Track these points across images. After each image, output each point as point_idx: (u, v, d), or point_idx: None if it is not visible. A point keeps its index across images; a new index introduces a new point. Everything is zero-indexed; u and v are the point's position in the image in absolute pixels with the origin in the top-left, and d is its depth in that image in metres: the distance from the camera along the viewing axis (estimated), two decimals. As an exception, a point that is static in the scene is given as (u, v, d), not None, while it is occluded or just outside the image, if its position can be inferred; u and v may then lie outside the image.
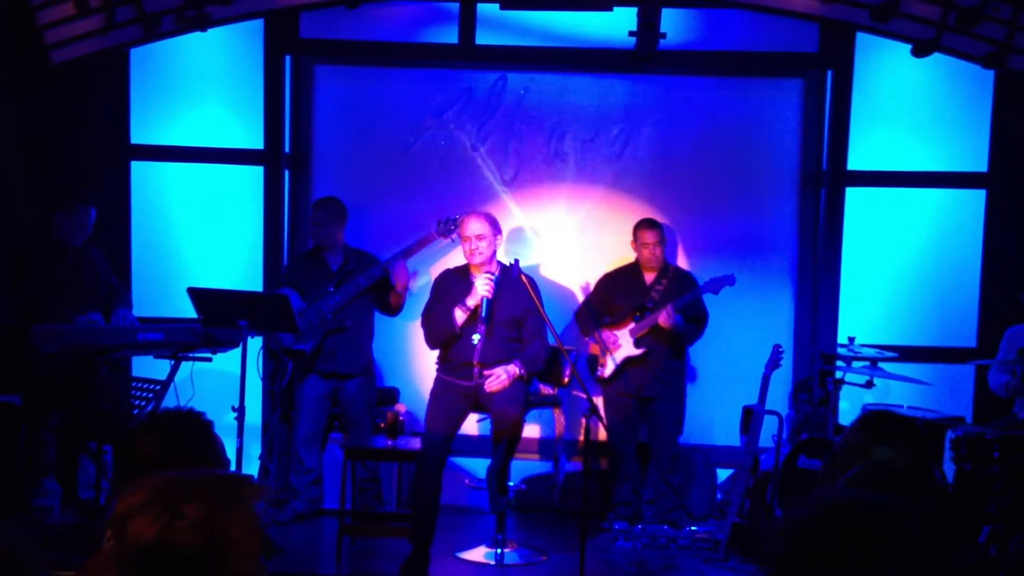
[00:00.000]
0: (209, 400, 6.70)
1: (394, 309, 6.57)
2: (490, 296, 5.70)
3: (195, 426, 2.70)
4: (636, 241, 6.60)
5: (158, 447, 2.55)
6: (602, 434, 6.49)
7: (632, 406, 6.53)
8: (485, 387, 5.71)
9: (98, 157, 6.92)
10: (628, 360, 6.47)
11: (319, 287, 6.42)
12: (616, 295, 6.62)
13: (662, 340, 6.45)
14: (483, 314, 5.70)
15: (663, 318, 6.30)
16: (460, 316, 5.73)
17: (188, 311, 6.02)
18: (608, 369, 6.48)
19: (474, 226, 5.78)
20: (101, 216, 6.52)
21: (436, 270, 6.79)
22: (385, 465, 6.70)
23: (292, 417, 6.71)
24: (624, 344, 6.47)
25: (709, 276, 6.55)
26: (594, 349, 6.63)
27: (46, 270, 6.21)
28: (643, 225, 6.59)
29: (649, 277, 6.58)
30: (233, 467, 5.64)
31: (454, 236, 6.45)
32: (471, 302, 5.73)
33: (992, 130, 6.84)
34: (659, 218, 6.79)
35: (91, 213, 6.38)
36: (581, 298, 7.05)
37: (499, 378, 5.69)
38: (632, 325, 6.47)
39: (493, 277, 5.72)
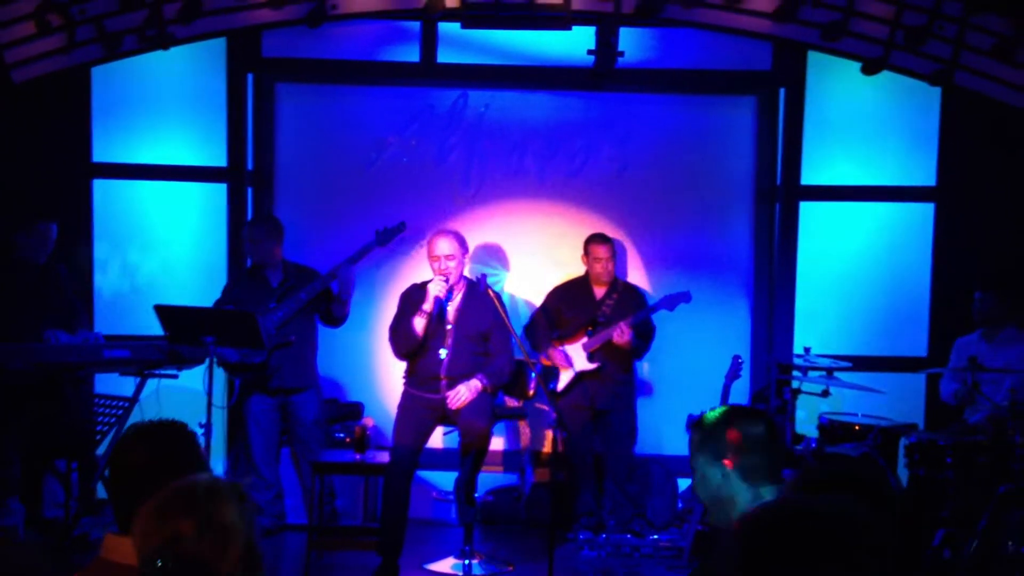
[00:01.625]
0: (175, 417, 6.73)
1: (337, 320, 6.59)
2: (442, 296, 5.79)
3: (181, 435, 2.76)
4: (588, 256, 6.70)
5: (150, 457, 2.61)
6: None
7: (586, 419, 6.62)
8: (448, 403, 5.79)
9: (60, 175, 6.91)
10: (581, 374, 6.57)
11: (260, 304, 6.41)
12: (566, 309, 6.71)
13: (614, 354, 6.56)
14: (435, 312, 5.79)
15: (617, 335, 6.41)
16: (419, 323, 5.82)
17: (152, 328, 6.03)
18: (561, 383, 6.58)
19: (443, 246, 5.87)
20: (64, 234, 6.50)
21: (390, 282, 6.87)
22: (351, 479, 6.74)
23: (241, 435, 6.71)
24: (577, 359, 6.57)
25: (666, 290, 6.70)
26: (546, 363, 6.70)
27: (9, 288, 6.19)
28: (595, 240, 6.70)
29: (599, 291, 6.69)
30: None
31: (392, 244, 6.57)
32: (427, 306, 5.82)
33: (939, 145, 7.05)
34: (617, 232, 6.93)
35: (52, 229, 6.35)
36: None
37: (459, 395, 5.77)
38: (585, 339, 6.57)
39: (445, 279, 5.81)
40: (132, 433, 2.78)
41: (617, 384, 6.63)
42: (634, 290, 6.75)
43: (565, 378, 6.56)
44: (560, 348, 6.61)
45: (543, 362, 6.69)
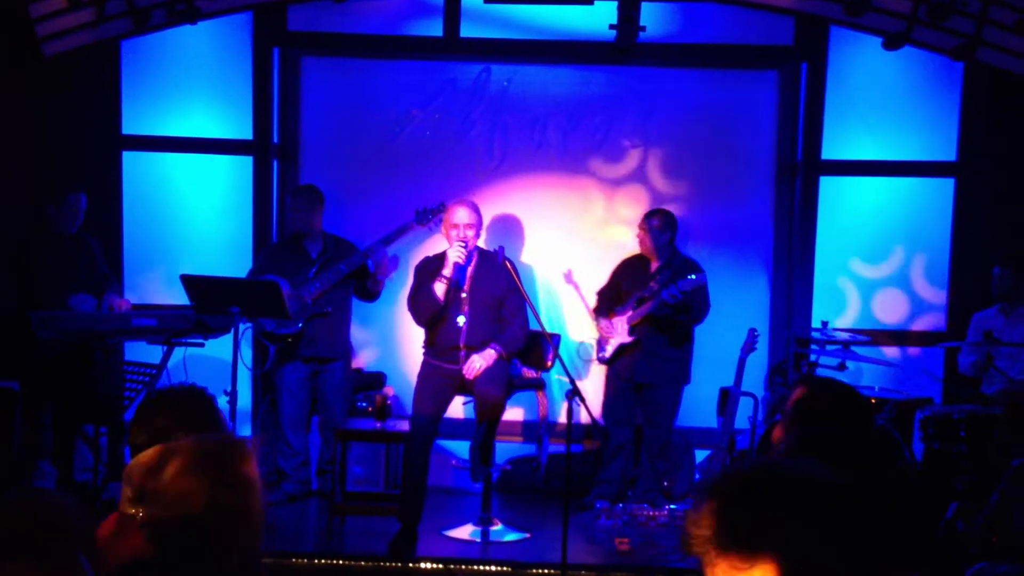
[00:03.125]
0: (202, 384, 6.87)
1: (372, 295, 6.73)
2: (461, 262, 5.87)
3: (202, 399, 2.89)
4: (639, 226, 6.73)
5: (171, 421, 2.74)
6: (584, 416, 6.64)
7: (627, 390, 6.67)
8: (464, 374, 5.89)
9: (90, 147, 7.05)
10: (623, 347, 6.64)
11: (299, 273, 6.54)
12: (623, 281, 6.75)
13: (658, 329, 6.57)
14: (456, 280, 5.87)
15: (666, 294, 6.34)
16: (440, 288, 5.89)
17: (180, 298, 6.17)
18: (608, 351, 6.65)
19: (463, 215, 5.95)
20: (94, 206, 6.64)
21: (414, 255, 6.96)
22: (373, 447, 6.88)
23: (274, 401, 6.85)
24: (620, 332, 6.62)
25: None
26: (600, 332, 6.74)
27: (43, 259, 6.33)
28: (648, 213, 6.73)
29: (655, 265, 6.69)
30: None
31: (431, 225, 6.64)
32: (447, 272, 5.89)
33: (960, 120, 7.05)
34: (638, 207, 6.98)
35: (81, 199, 6.47)
36: (562, 284, 7.25)
37: (473, 364, 5.86)
38: (630, 313, 6.63)
39: (464, 245, 5.88)
40: (154, 398, 2.91)
41: (661, 359, 6.59)
42: (691, 265, 6.62)
43: (611, 346, 6.62)
44: (608, 320, 6.67)
45: (600, 331, 6.73)
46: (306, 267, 6.58)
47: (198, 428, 2.71)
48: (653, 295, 6.50)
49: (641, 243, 6.68)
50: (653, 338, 6.57)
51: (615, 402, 6.69)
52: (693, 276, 6.30)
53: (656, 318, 6.50)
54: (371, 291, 6.69)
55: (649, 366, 6.59)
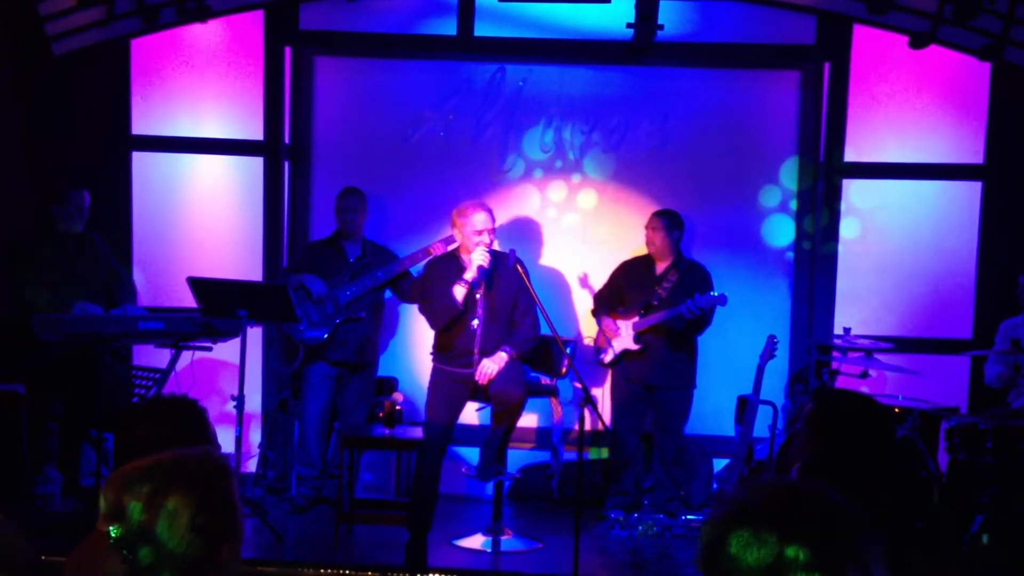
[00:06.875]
0: (209, 389, 6.79)
1: (410, 297, 6.62)
2: (487, 266, 5.72)
3: (190, 412, 2.78)
4: (646, 228, 6.61)
5: (156, 431, 2.62)
6: (598, 423, 6.50)
7: (638, 395, 6.51)
8: (477, 378, 5.74)
9: (99, 148, 6.97)
10: (628, 352, 6.49)
11: (336, 275, 6.49)
12: (627, 284, 6.61)
13: (666, 332, 6.42)
14: (479, 287, 5.72)
15: (684, 309, 6.21)
16: (459, 291, 5.70)
17: (189, 301, 6.07)
18: (608, 356, 6.50)
19: (486, 219, 5.75)
20: (104, 206, 6.57)
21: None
22: (383, 454, 6.76)
23: (294, 405, 6.76)
24: (624, 336, 6.47)
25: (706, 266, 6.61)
26: (601, 337, 6.62)
27: (45, 260, 6.24)
28: (654, 213, 6.60)
29: (660, 267, 6.55)
30: (233, 455, 5.73)
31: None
32: (469, 275, 5.70)
33: (988, 122, 6.86)
34: (655, 210, 6.84)
35: (84, 197, 6.36)
36: (578, 289, 7.11)
37: (485, 368, 5.69)
38: (636, 319, 6.48)
39: (488, 250, 5.74)
40: (139, 409, 2.80)
41: (672, 361, 6.45)
42: (698, 270, 6.52)
43: (614, 351, 6.47)
44: (612, 319, 6.52)
45: (605, 331, 6.58)
46: (343, 270, 6.52)
47: (184, 441, 2.59)
48: (664, 304, 6.34)
49: (649, 243, 6.53)
50: (661, 344, 6.42)
51: (625, 408, 6.53)
52: (715, 294, 6.19)
53: (664, 327, 6.36)
54: (409, 293, 6.60)
55: (662, 367, 6.44)
